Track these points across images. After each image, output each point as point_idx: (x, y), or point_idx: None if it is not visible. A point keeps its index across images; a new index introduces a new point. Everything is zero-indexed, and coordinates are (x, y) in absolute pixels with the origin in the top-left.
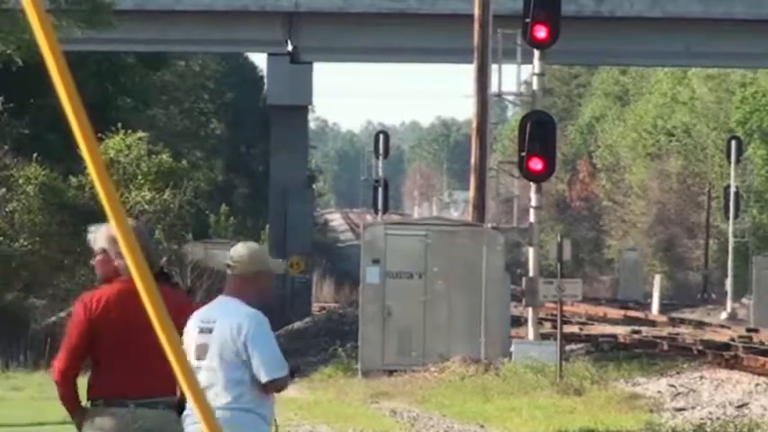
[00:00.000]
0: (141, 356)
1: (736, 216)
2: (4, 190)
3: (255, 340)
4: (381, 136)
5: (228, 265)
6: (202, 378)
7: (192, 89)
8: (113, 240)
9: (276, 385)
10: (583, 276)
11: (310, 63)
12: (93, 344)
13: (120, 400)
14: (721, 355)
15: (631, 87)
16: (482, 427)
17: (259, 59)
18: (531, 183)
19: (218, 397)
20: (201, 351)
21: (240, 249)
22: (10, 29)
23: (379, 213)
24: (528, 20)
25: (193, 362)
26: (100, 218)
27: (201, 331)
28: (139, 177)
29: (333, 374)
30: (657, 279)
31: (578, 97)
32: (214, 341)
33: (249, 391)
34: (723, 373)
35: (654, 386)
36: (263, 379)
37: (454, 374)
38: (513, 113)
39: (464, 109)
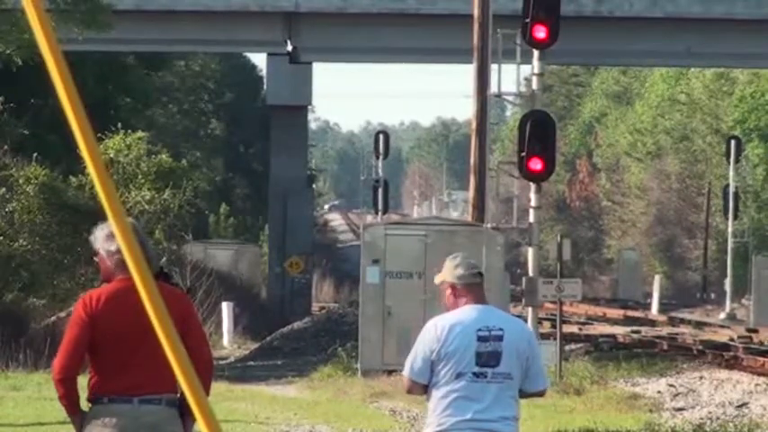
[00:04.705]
0: (143, 354)
1: (735, 216)
2: (3, 190)
3: (537, 349)
4: (381, 136)
5: (475, 274)
6: (492, 387)
7: (191, 89)
8: (105, 239)
9: (544, 393)
10: (582, 276)
11: (310, 63)
12: (93, 342)
13: (125, 396)
14: (721, 356)
15: (631, 87)
16: None
17: (259, 59)
18: (531, 183)
19: (510, 406)
20: (491, 358)
21: (473, 260)
22: (10, 29)
23: (379, 213)
24: (527, 20)
25: (473, 368)
26: (100, 217)
27: (488, 339)
28: (139, 177)
29: (332, 374)
30: (657, 279)
31: (578, 97)
32: (509, 348)
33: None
34: (723, 373)
35: (653, 386)
36: (541, 387)
37: None
38: (513, 113)
39: (464, 109)
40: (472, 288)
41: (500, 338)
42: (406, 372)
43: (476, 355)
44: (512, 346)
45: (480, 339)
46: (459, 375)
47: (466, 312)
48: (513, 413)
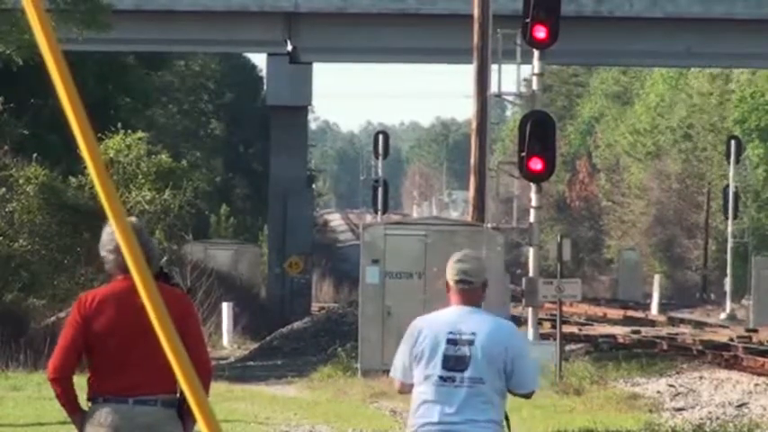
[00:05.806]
0: (140, 354)
1: (735, 216)
2: (3, 190)
3: (522, 351)
4: (381, 136)
5: (464, 281)
6: (461, 391)
7: (191, 89)
8: (104, 241)
9: (531, 395)
10: (582, 276)
11: (310, 63)
12: (88, 342)
13: (120, 397)
14: (721, 356)
15: (631, 87)
16: None
17: (259, 59)
18: (531, 183)
19: (482, 411)
20: (459, 362)
21: (474, 262)
22: (10, 29)
23: (379, 213)
24: (527, 20)
25: (439, 372)
26: (100, 218)
27: (457, 342)
28: (139, 177)
29: (332, 374)
30: (657, 279)
31: (577, 97)
32: (480, 352)
33: (502, 401)
34: (722, 373)
35: (653, 386)
36: (527, 389)
37: None
38: (513, 113)
39: (464, 109)
40: (461, 290)
41: (471, 343)
42: (392, 372)
43: (443, 359)
44: (483, 351)
45: (450, 342)
46: (427, 378)
47: (444, 314)
48: (487, 416)
